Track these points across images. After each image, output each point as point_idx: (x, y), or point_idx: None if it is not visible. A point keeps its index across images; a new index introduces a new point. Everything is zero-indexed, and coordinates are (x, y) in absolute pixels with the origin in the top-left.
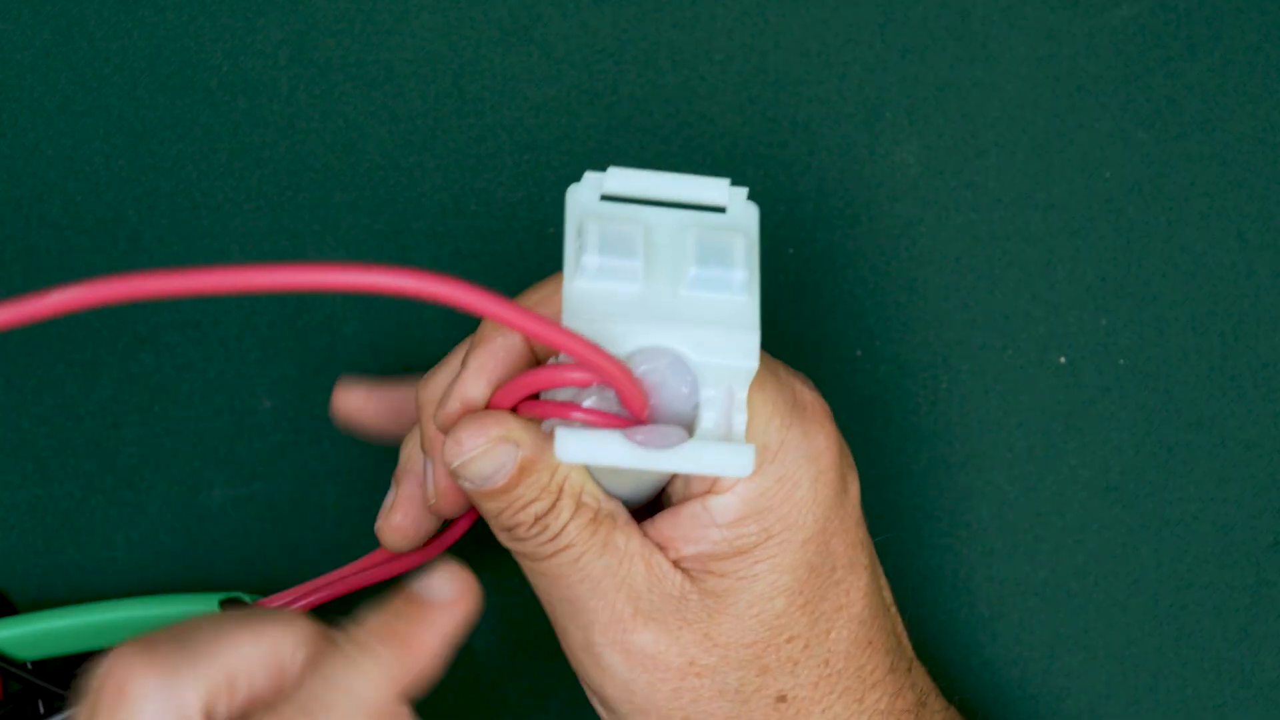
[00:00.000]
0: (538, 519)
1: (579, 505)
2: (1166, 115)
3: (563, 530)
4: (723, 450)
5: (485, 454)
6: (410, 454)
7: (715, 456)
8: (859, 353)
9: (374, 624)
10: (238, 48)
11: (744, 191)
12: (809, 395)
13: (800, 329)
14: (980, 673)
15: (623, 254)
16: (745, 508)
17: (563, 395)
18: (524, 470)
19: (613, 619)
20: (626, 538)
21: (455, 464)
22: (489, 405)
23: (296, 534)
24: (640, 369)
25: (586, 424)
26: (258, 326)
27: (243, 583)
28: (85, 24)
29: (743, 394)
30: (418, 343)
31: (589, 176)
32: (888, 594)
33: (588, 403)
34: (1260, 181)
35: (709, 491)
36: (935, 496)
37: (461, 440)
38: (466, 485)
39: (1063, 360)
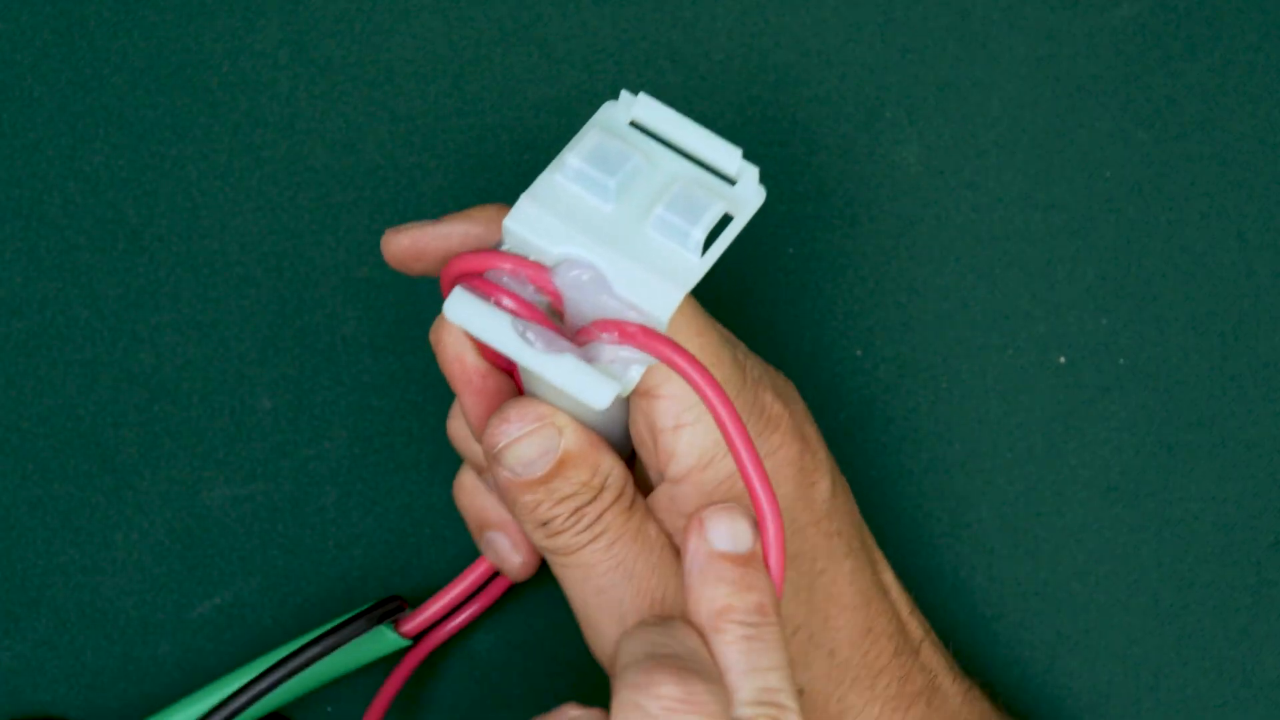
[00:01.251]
0: (576, 510)
1: (619, 494)
2: (1166, 115)
3: (600, 518)
4: (590, 376)
5: (530, 437)
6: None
7: (578, 377)
8: (859, 353)
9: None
10: (238, 48)
11: (756, 171)
12: (776, 407)
13: (800, 329)
14: (980, 673)
15: (604, 170)
16: (703, 499)
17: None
18: (564, 463)
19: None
20: (656, 528)
21: (499, 446)
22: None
23: (296, 534)
24: (573, 273)
25: (506, 310)
26: (258, 326)
27: (242, 583)
28: (85, 24)
29: None
30: (418, 343)
31: (625, 97)
32: (888, 576)
33: (525, 293)
34: (1260, 181)
35: (665, 480)
36: (935, 496)
37: (509, 418)
38: (505, 475)
39: (1063, 360)
